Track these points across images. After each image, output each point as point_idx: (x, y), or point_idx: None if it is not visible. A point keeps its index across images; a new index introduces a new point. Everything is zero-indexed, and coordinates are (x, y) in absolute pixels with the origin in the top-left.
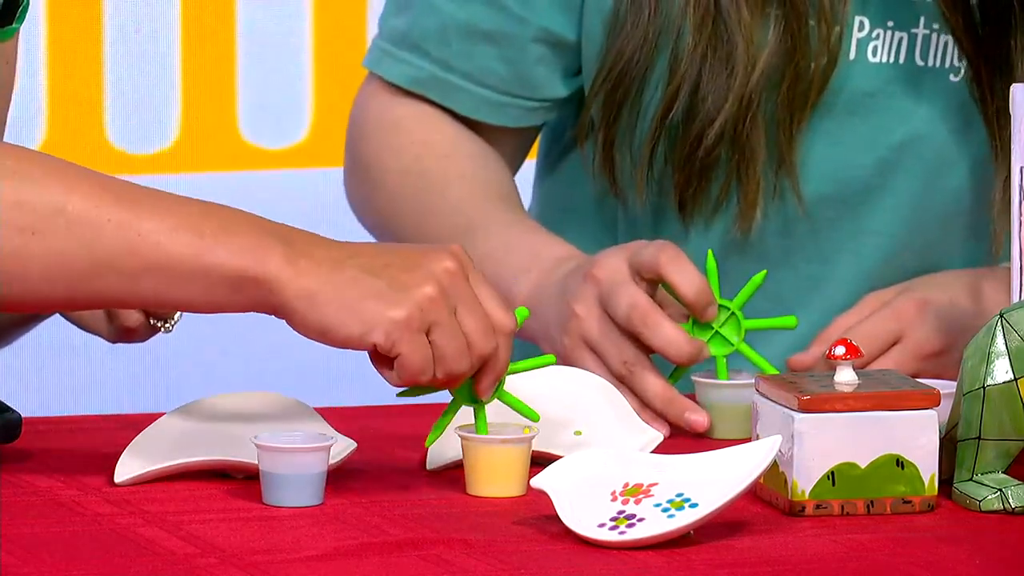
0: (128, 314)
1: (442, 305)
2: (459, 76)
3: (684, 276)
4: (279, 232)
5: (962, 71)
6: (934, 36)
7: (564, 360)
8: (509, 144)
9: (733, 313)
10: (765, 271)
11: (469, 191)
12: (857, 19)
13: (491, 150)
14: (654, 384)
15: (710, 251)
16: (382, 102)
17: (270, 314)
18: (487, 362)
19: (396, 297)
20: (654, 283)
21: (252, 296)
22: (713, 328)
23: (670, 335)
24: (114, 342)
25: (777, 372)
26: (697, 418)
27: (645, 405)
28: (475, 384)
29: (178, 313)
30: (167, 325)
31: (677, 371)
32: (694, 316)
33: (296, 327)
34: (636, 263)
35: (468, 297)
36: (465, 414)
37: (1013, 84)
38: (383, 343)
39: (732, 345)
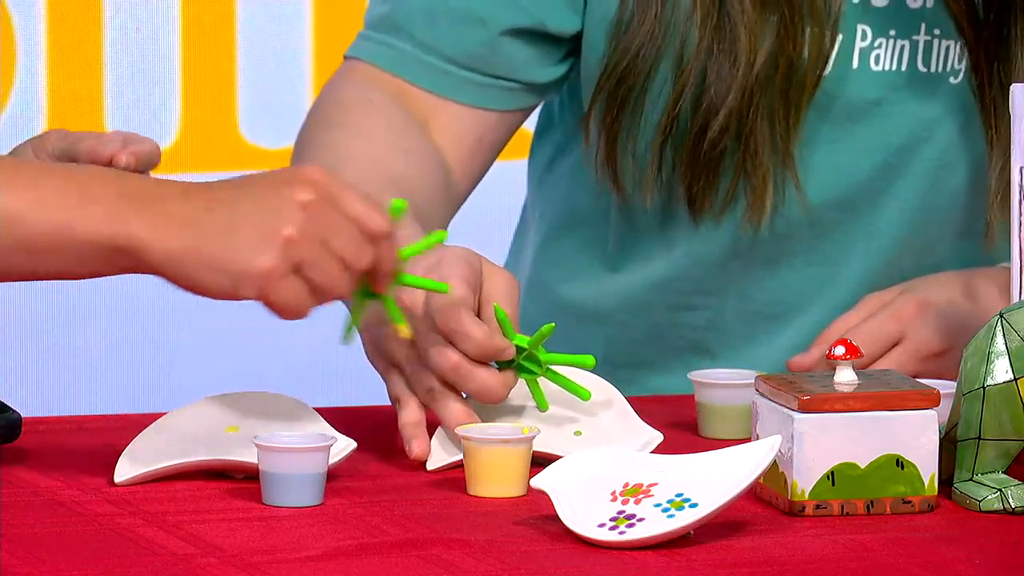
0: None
1: (305, 241)
2: (442, 58)
3: (465, 336)
4: (138, 192)
5: (961, 73)
6: (935, 42)
7: (368, 354)
8: (480, 123)
9: (528, 350)
10: (553, 324)
11: (358, 175)
12: (859, 28)
13: (428, 149)
14: (459, 413)
15: (495, 304)
16: (340, 79)
17: (146, 274)
18: (374, 266)
19: (258, 247)
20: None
21: (122, 263)
22: (515, 362)
23: (482, 380)
24: None
25: (588, 395)
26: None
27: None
28: (370, 285)
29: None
30: None
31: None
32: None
33: (174, 285)
34: (431, 321)
35: (332, 222)
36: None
37: (1013, 84)
38: (254, 295)
39: (536, 373)
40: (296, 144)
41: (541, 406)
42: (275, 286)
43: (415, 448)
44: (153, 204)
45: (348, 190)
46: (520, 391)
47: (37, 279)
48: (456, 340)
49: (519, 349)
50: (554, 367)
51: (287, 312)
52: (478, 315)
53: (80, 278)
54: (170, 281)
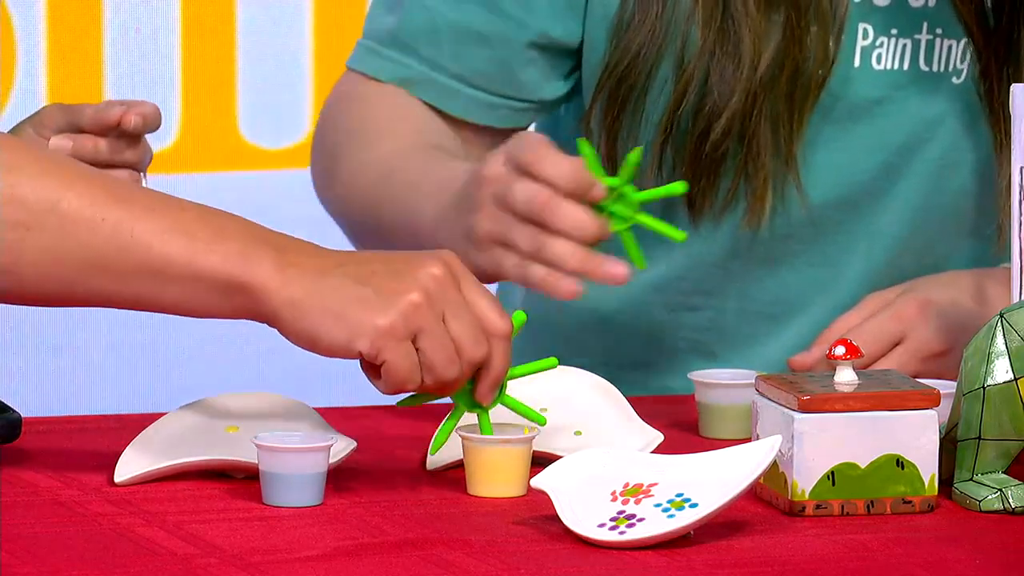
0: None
1: (428, 312)
2: (448, 76)
3: (556, 167)
4: (271, 240)
5: (964, 73)
6: (938, 41)
7: (477, 268)
8: (495, 143)
9: (620, 191)
10: (640, 148)
11: (399, 144)
12: (861, 27)
13: (447, 129)
14: (565, 248)
15: (581, 139)
16: (353, 82)
17: (259, 321)
18: (483, 367)
19: (381, 304)
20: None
21: (241, 303)
22: (605, 208)
23: (574, 215)
24: None
25: (684, 235)
26: (616, 268)
27: (563, 270)
28: (474, 390)
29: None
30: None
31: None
32: (581, 199)
33: (284, 334)
34: (513, 161)
35: (456, 303)
36: (467, 413)
37: (1013, 84)
38: (368, 350)
39: (629, 219)
40: (321, 155)
41: (639, 264)
42: (390, 346)
43: (616, 268)
44: (285, 253)
45: (478, 285)
46: (514, 392)
47: (156, 310)
48: (543, 170)
49: (609, 190)
50: (643, 217)
51: (395, 377)
52: None
53: (196, 315)
54: (284, 330)
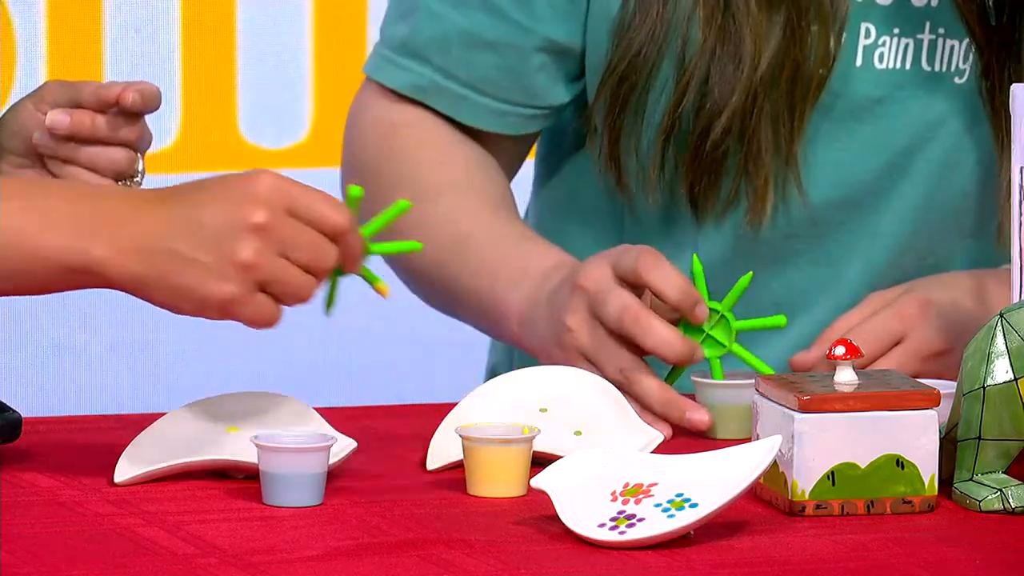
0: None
1: (264, 262)
2: (460, 84)
3: (666, 278)
4: (100, 212)
5: (967, 73)
6: (940, 41)
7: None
8: (509, 151)
9: (723, 315)
10: (751, 273)
11: (461, 200)
12: (863, 26)
13: (487, 155)
14: (651, 387)
15: (695, 255)
16: (380, 107)
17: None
18: (341, 258)
19: (216, 273)
20: (640, 288)
21: (87, 282)
22: (704, 331)
23: (663, 335)
24: None
25: (772, 372)
26: (698, 416)
27: (645, 408)
28: (341, 269)
29: (140, 167)
30: (135, 181)
31: (673, 373)
32: (683, 317)
33: (146, 301)
34: (619, 269)
35: (289, 235)
36: (467, 413)
37: (1013, 84)
38: (219, 318)
39: (724, 347)
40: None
41: (716, 377)
42: (238, 309)
43: (698, 416)
44: (115, 226)
45: (302, 194)
46: (514, 392)
47: (24, 293)
48: (651, 279)
49: (712, 312)
50: (740, 343)
51: (258, 325)
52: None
53: (46, 293)
54: (142, 299)
